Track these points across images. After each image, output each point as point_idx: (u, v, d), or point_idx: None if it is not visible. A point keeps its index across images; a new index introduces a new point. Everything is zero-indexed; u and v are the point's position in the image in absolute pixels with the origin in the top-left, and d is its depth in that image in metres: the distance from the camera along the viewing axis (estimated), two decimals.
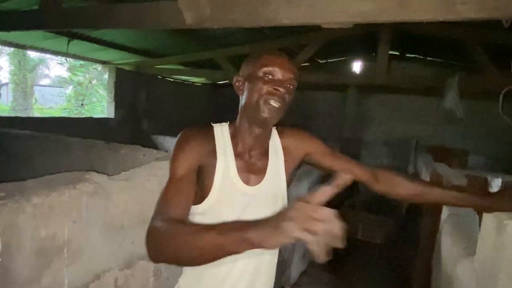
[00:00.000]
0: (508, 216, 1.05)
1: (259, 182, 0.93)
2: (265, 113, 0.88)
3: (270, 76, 0.89)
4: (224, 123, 0.98)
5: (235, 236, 0.60)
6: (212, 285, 0.92)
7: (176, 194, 0.81)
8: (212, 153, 0.89)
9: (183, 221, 0.79)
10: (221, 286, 0.91)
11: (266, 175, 0.94)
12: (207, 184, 0.88)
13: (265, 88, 0.88)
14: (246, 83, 0.92)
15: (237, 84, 0.95)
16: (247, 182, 0.91)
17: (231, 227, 0.62)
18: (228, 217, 0.88)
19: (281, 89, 0.88)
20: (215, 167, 0.88)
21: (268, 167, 0.95)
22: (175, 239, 0.67)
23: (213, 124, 0.97)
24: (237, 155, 0.92)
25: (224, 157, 0.90)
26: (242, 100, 0.93)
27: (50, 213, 0.99)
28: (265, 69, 0.89)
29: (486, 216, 1.18)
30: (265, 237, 0.57)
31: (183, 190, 0.83)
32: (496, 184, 2.23)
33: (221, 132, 0.94)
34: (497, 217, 1.10)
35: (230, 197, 0.89)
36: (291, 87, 0.91)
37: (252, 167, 0.93)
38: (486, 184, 2.23)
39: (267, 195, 0.94)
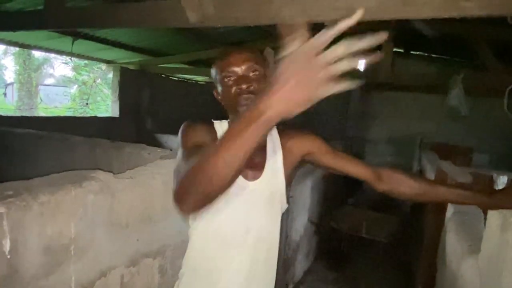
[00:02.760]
0: None
1: (257, 178, 0.93)
2: (238, 107, 0.89)
3: (231, 78, 0.91)
4: (223, 121, 1.01)
5: (253, 115, 0.54)
6: (209, 281, 0.93)
7: (187, 162, 0.75)
8: (214, 141, 0.90)
9: None
10: (218, 282, 0.92)
11: (264, 172, 0.94)
12: None
13: (231, 91, 0.90)
14: (219, 87, 0.95)
15: (216, 96, 0.99)
16: (245, 176, 0.92)
17: (243, 114, 0.57)
18: (225, 211, 0.90)
19: (244, 85, 0.88)
20: None
21: (266, 164, 0.95)
22: (205, 161, 0.62)
23: (213, 121, 1.00)
24: None
25: None
26: (221, 102, 0.98)
27: (56, 211, 1.00)
28: (223, 74, 0.91)
29: (491, 214, 1.18)
30: (286, 100, 0.53)
31: (193, 157, 0.77)
32: (501, 182, 2.22)
33: (221, 127, 0.98)
34: (502, 214, 1.09)
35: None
36: (256, 73, 0.90)
37: (250, 161, 0.93)
38: (491, 181, 2.22)
39: (265, 192, 0.94)
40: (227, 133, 0.59)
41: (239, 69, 0.90)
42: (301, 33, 0.57)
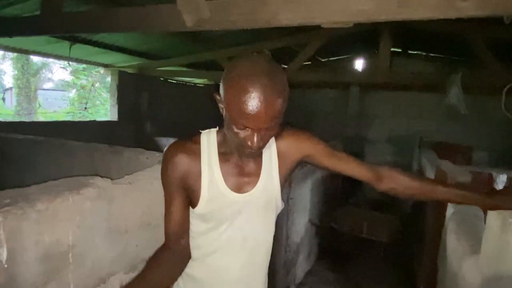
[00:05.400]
0: None
1: (253, 186, 0.92)
2: (244, 155, 0.89)
3: (247, 128, 0.78)
4: (213, 129, 0.96)
5: None
6: (209, 287, 0.93)
7: (169, 217, 0.93)
8: (197, 166, 0.90)
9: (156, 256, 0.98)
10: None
11: (260, 179, 0.93)
12: (196, 196, 0.90)
13: (240, 137, 0.80)
14: (225, 111, 0.81)
15: (218, 99, 0.84)
16: (238, 188, 0.91)
17: None
18: (219, 224, 0.91)
19: (255, 144, 0.78)
20: (200, 180, 0.89)
21: (262, 171, 0.93)
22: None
23: (201, 132, 0.95)
24: (226, 160, 0.91)
25: (209, 168, 0.90)
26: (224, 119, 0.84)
27: (54, 219, 0.99)
28: (242, 116, 0.75)
29: (491, 214, 1.18)
30: None
31: (174, 211, 0.92)
32: (501, 180, 2.22)
33: (207, 140, 0.92)
34: (502, 215, 1.09)
35: (220, 206, 0.90)
36: (275, 121, 0.78)
37: (244, 169, 0.92)
38: (491, 180, 2.22)
39: (261, 200, 0.93)
40: None
41: (259, 125, 0.76)
42: None
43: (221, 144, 0.93)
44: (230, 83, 0.76)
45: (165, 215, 0.93)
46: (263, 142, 0.81)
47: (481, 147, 4.99)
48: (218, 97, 0.83)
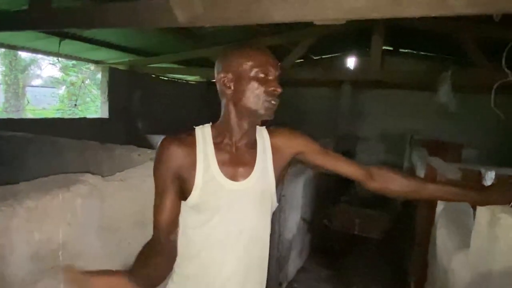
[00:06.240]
0: (501, 209, 1.06)
1: (248, 175, 0.93)
2: (264, 111, 0.91)
3: (263, 75, 0.90)
4: (206, 125, 0.97)
5: None
6: (204, 284, 0.92)
7: (160, 210, 0.91)
8: (192, 157, 0.90)
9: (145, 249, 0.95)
10: (213, 284, 0.92)
11: (254, 170, 0.93)
12: (190, 183, 0.89)
13: (263, 88, 0.89)
14: (238, 81, 0.91)
15: (224, 80, 0.92)
16: (233, 177, 0.91)
17: None
18: (214, 213, 0.90)
19: (279, 89, 0.91)
20: (195, 169, 0.89)
21: (256, 162, 0.95)
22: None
23: (195, 127, 0.96)
24: (221, 150, 0.93)
25: (204, 157, 0.90)
26: (234, 97, 0.92)
27: (44, 216, 0.98)
28: (259, 68, 0.89)
29: (480, 210, 1.20)
30: None
31: (166, 204, 0.90)
32: (489, 177, 2.25)
33: (202, 134, 0.94)
34: (491, 210, 1.11)
35: (215, 194, 0.90)
36: (278, 75, 0.94)
37: (239, 159, 0.93)
38: (480, 177, 2.25)
39: (255, 191, 0.93)
40: None
41: (274, 72, 0.91)
42: None
43: (216, 136, 0.94)
44: (237, 54, 0.91)
45: (157, 207, 0.91)
46: (279, 96, 0.93)
47: (471, 145, 5.06)
48: (224, 74, 0.91)
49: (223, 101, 0.95)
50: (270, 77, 0.91)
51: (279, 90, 0.91)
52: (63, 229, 1.04)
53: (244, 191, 0.92)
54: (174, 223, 0.93)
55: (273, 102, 0.91)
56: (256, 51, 0.92)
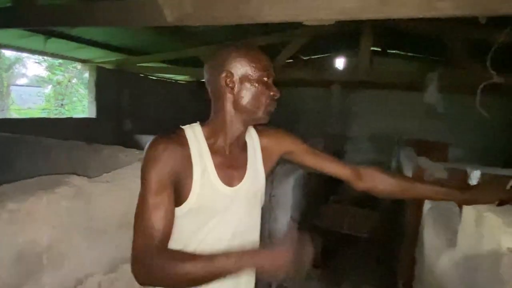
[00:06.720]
0: (487, 208, 1.08)
1: (240, 179, 0.92)
2: (262, 115, 0.91)
3: (266, 79, 0.90)
4: (194, 124, 0.93)
5: (244, 266, 0.78)
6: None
7: (158, 212, 0.80)
8: (187, 158, 0.85)
9: (172, 250, 0.83)
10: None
11: (247, 172, 0.93)
12: (186, 189, 0.85)
13: (268, 93, 0.90)
14: (241, 83, 0.89)
15: (226, 81, 0.88)
16: (228, 181, 0.90)
17: (238, 259, 0.77)
18: (209, 218, 0.88)
19: (278, 94, 0.91)
20: (192, 172, 0.85)
21: (248, 164, 0.94)
22: (180, 277, 0.76)
23: (182, 127, 0.91)
24: (215, 152, 0.90)
25: (200, 159, 0.87)
26: (234, 99, 0.89)
27: (27, 219, 0.95)
28: (262, 71, 0.89)
29: (466, 209, 1.21)
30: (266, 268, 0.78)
31: (168, 207, 0.81)
32: (475, 176, 2.29)
33: (194, 134, 0.89)
34: (477, 209, 1.13)
35: (211, 199, 0.87)
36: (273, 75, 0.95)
37: (232, 162, 0.92)
38: (465, 176, 2.29)
39: (248, 194, 0.93)
40: (215, 265, 0.76)
41: (273, 75, 0.92)
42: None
43: (209, 136, 0.91)
44: (242, 55, 0.89)
45: (153, 215, 0.79)
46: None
47: (458, 145, 5.15)
48: (226, 74, 0.89)
49: (220, 102, 0.91)
50: (270, 81, 0.91)
51: (278, 94, 0.91)
52: (47, 232, 1.01)
53: (238, 195, 0.91)
54: (171, 227, 0.84)
55: (271, 107, 0.92)
56: (259, 53, 0.91)
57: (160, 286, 0.79)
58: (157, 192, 0.80)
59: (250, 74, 0.89)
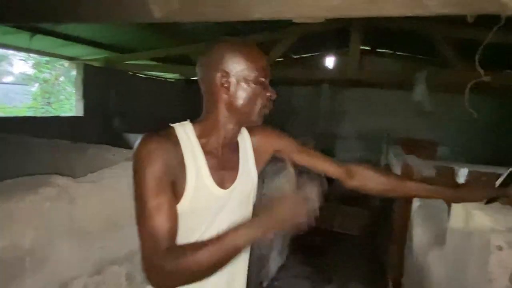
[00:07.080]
0: (476, 206, 1.09)
1: (233, 181, 0.90)
2: (257, 117, 0.89)
3: (263, 79, 0.87)
4: (184, 123, 0.89)
5: (255, 233, 0.75)
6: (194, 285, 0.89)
7: (162, 212, 0.76)
8: (180, 158, 0.82)
9: (180, 246, 0.78)
10: (204, 285, 0.88)
11: (239, 174, 0.91)
12: (179, 192, 0.81)
13: (264, 94, 0.88)
14: (237, 83, 0.85)
15: (222, 80, 0.84)
16: (221, 183, 0.87)
17: (249, 229, 0.76)
18: (203, 219, 0.85)
19: (274, 95, 0.89)
20: (185, 173, 0.82)
21: (240, 165, 0.93)
22: (196, 269, 0.73)
23: (172, 125, 0.87)
24: (208, 152, 0.87)
25: (194, 160, 0.83)
26: (229, 99, 0.86)
27: (8, 221, 0.92)
28: (259, 72, 0.86)
29: (454, 207, 1.22)
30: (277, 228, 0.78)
31: (164, 210, 0.76)
32: (462, 174, 2.31)
33: (185, 133, 0.86)
34: (465, 207, 1.13)
35: (205, 202, 0.85)
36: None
37: (225, 163, 0.90)
38: (453, 174, 2.32)
39: (241, 195, 0.92)
40: (226, 243, 0.73)
41: (269, 75, 0.89)
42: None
43: (201, 136, 0.87)
44: (238, 53, 0.85)
45: (156, 219, 0.75)
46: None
47: (446, 143, 5.23)
48: (222, 73, 0.84)
49: (213, 101, 0.87)
50: (267, 81, 0.88)
51: (275, 95, 0.89)
52: (29, 234, 0.98)
53: (231, 197, 0.89)
54: (177, 225, 0.80)
55: (266, 110, 0.90)
56: (256, 51, 0.88)
57: (180, 286, 0.77)
58: (157, 193, 0.76)
59: (247, 74, 0.85)
